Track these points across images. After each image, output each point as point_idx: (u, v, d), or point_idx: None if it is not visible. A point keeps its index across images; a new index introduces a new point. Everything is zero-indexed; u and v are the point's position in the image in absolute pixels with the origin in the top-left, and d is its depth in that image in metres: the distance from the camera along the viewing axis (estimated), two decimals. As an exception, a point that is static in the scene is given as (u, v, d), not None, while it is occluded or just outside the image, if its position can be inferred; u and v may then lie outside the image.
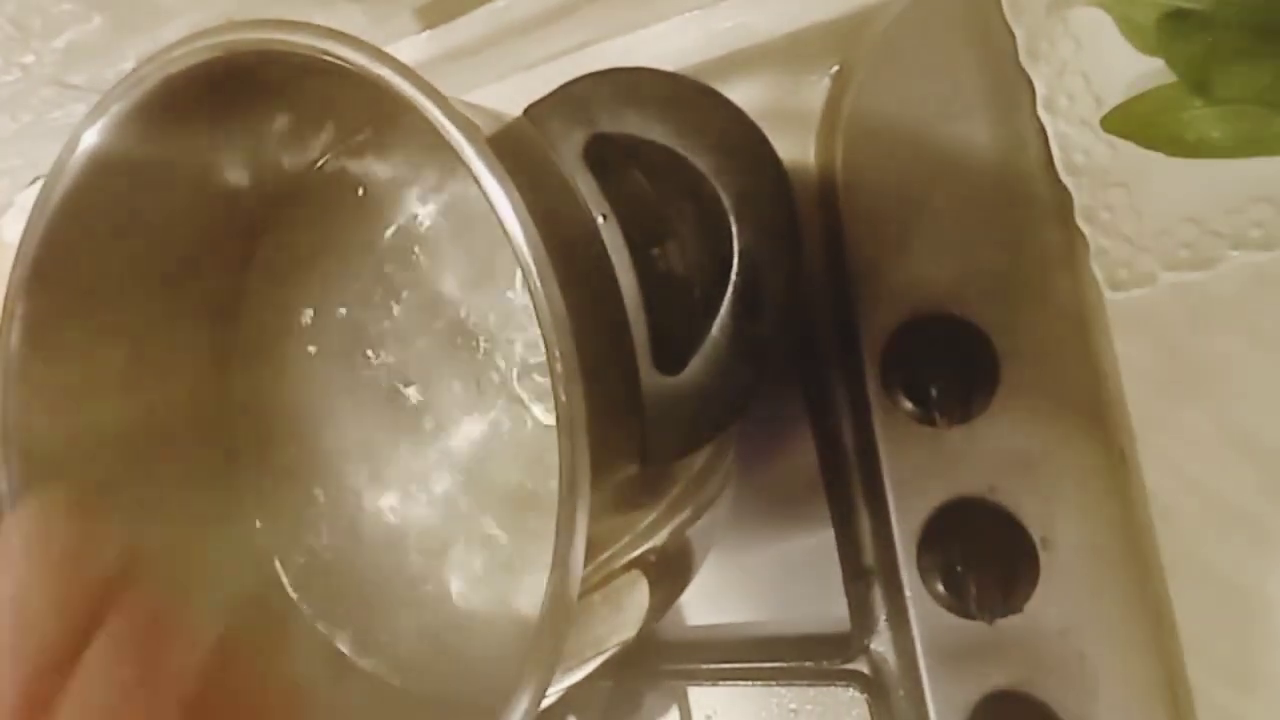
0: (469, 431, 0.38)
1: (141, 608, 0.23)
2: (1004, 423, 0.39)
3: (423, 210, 0.38)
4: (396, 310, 0.39)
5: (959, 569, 0.38)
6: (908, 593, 0.41)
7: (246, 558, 0.40)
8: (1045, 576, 0.38)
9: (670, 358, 0.28)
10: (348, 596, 0.39)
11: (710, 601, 0.46)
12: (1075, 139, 0.37)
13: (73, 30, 0.47)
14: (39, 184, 0.32)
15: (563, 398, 0.24)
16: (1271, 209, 0.34)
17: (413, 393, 0.39)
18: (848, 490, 0.43)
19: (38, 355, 0.33)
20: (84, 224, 0.32)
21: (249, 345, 0.40)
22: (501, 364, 0.37)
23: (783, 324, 0.28)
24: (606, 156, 0.28)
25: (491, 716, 0.25)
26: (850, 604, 0.42)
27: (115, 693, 0.22)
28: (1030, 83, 0.38)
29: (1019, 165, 0.39)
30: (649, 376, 0.28)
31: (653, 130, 0.28)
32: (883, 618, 0.42)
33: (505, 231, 0.25)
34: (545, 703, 0.25)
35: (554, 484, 0.24)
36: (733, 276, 0.28)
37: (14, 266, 0.32)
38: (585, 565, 0.24)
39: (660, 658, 0.46)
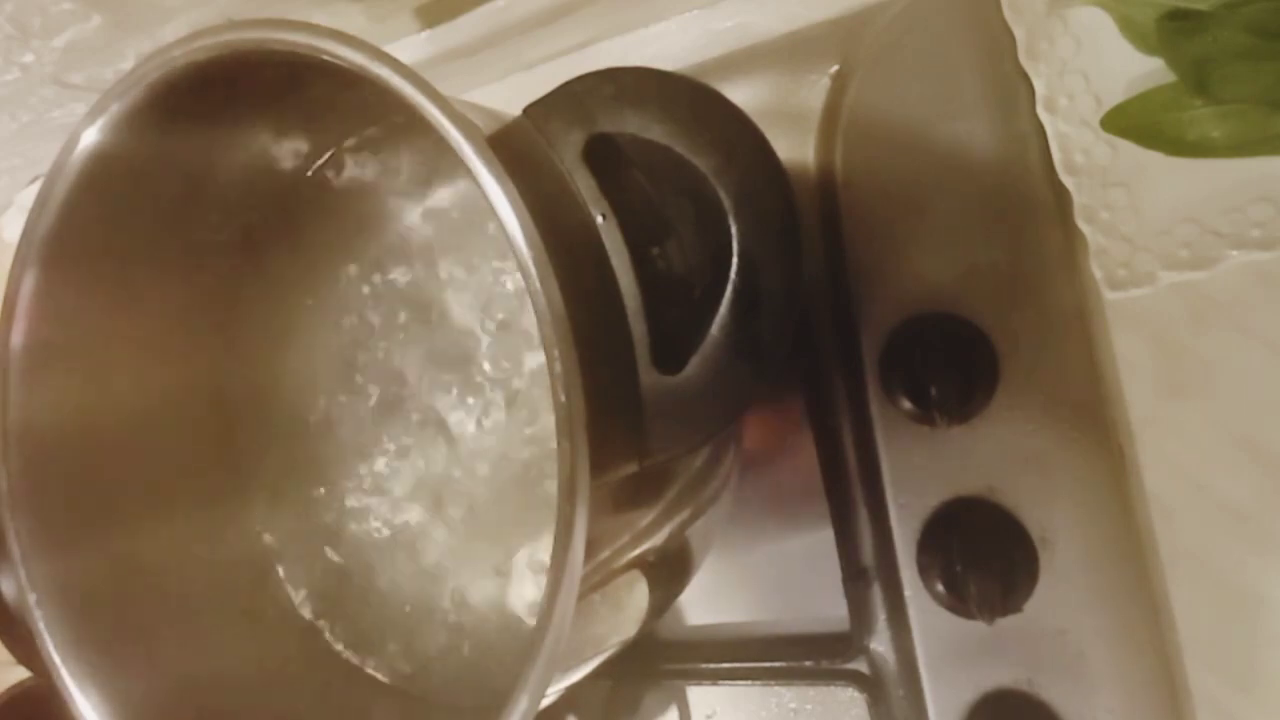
0: (467, 432, 0.38)
1: None
2: (1003, 422, 0.39)
3: (422, 209, 0.38)
4: (395, 309, 0.39)
5: (959, 569, 0.38)
6: (907, 592, 0.41)
7: (247, 559, 0.40)
8: (1045, 576, 0.38)
9: (670, 357, 0.28)
10: (347, 598, 0.39)
11: (710, 601, 0.46)
12: (1075, 139, 0.37)
13: (72, 30, 0.47)
14: (38, 183, 0.32)
15: (562, 398, 0.24)
16: (1271, 209, 0.34)
17: (412, 393, 0.39)
18: (847, 490, 0.43)
19: (38, 355, 0.33)
20: (83, 223, 0.32)
21: (248, 344, 0.40)
22: (500, 363, 0.37)
23: (782, 323, 0.28)
24: (606, 156, 0.28)
25: (491, 716, 0.25)
26: (850, 604, 0.42)
27: None
28: (1030, 83, 0.38)
29: (1019, 165, 0.39)
30: (649, 376, 0.28)
31: (653, 130, 0.28)
32: (882, 618, 0.42)
33: (505, 231, 0.25)
34: (545, 703, 0.25)
35: (553, 483, 0.24)
36: (732, 276, 0.28)
37: (13, 265, 0.32)
38: (585, 565, 0.24)
39: (660, 658, 0.46)
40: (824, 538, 0.43)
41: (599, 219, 0.28)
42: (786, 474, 0.45)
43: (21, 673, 0.49)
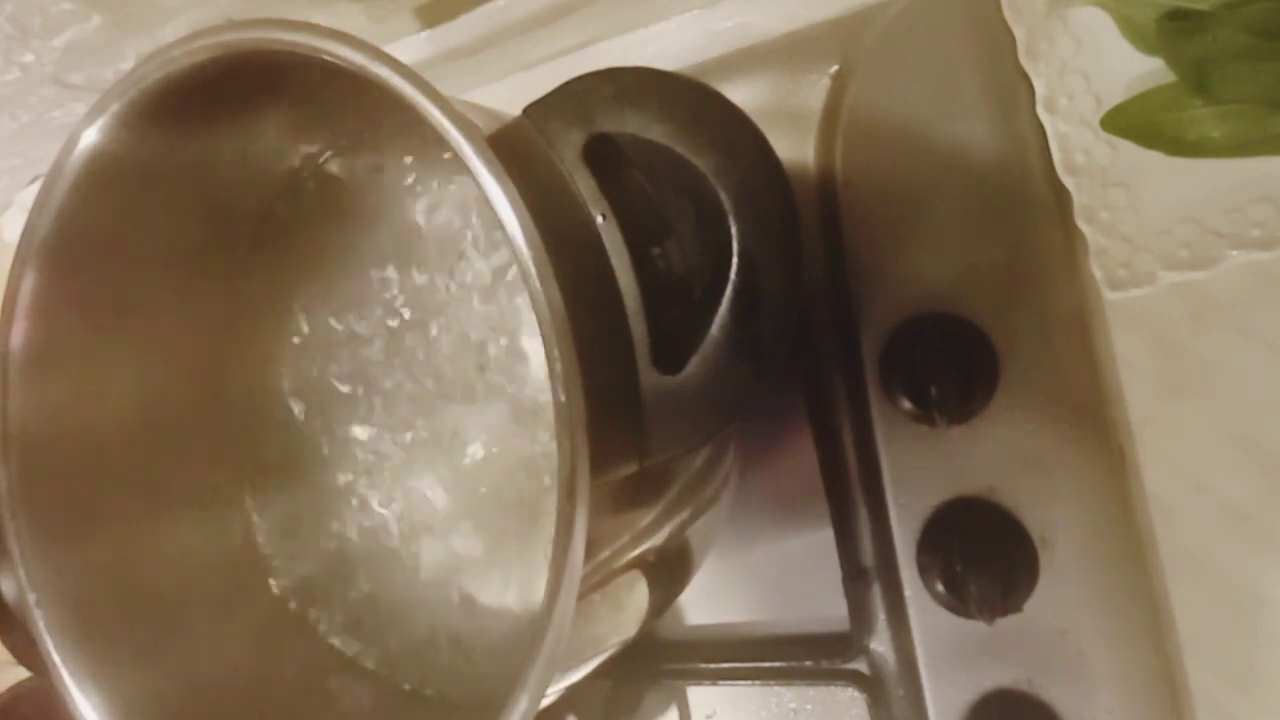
0: (468, 431, 0.38)
1: None
2: (1003, 422, 0.39)
3: (421, 209, 0.38)
4: (395, 308, 0.39)
5: (958, 569, 0.38)
6: (907, 592, 0.41)
7: (247, 559, 0.40)
8: (1045, 576, 0.38)
9: (670, 357, 0.28)
10: (348, 596, 0.39)
11: (710, 601, 0.46)
12: (1075, 139, 0.37)
13: (72, 30, 0.47)
14: (38, 183, 0.32)
15: (562, 397, 0.24)
16: (1271, 209, 0.34)
17: (411, 392, 0.39)
18: (847, 490, 0.43)
19: (37, 355, 0.33)
20: (83, 223, 0.32)
21: (248, 343, 0.40)
22: (499, 363, 0.37)
23: (782, 323, 0.28)
24: (606, 156, 0.28)
25: (491, 716, 0.25)
26: (850, 604, 0.42)
27: None
28: (1030, 83, 0.38)
29: (1019, 165, 0.39)
30: (648, 376, 0.28)
31: (653, 130, 0.28)
32: (882, 618, 0.42)
33: (505, 231, 0.25)
34: (545, 702, 0.25)
35: (554, 483, 0.24)
36: (732, 276, 0.28)
37: (13, 265, 0.32)
38: (585, 565, 0.24)
39: (660, 658, 0.46)
40: (824, 538, 0.43)
41: (599, 219, 0.28)
42: (786, 474, 0.45)
43: (21, 673, 0.49)
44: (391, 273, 0.39)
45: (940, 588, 0.40)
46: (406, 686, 0.38)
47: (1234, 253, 0.35)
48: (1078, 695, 0.38)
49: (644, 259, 0.28)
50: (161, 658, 0.34)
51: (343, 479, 0.40)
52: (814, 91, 0.43)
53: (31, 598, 0.31)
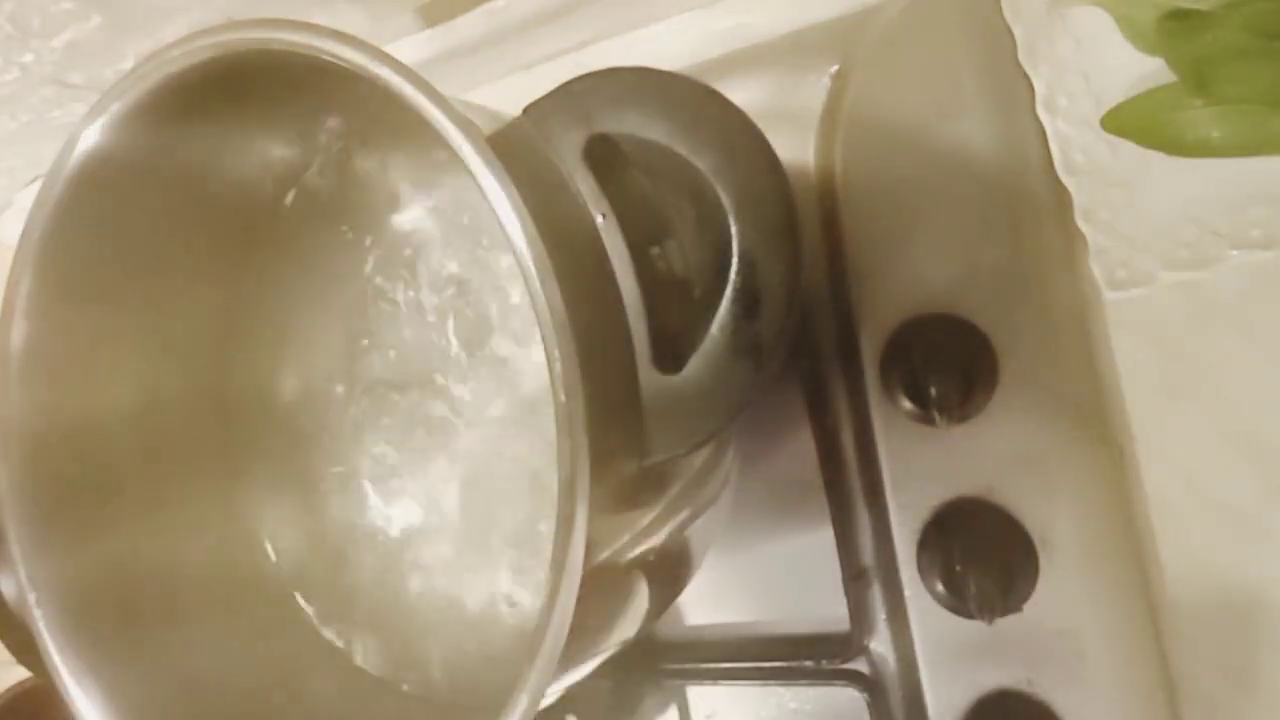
0: (468, 431, 0.38)
1: None
2: (1003, 422, 0.39)
3: (422, 209, 0.38)
4: (396, 308, 0.39)
5: (958, 569, 0.38)
6: (907, 592, 0.41)
7: (247, 559, 0.40)
8: (1044, 576, 0.38)
9: (670, 357, 0.28)
10: (348, 597, 0.39)
11: (710, 601, 0.46)
12: (1075, 139, 0.37)
13: (72, 29, 0.47)
14: (38, 183, 0.32)
15: (562, 398, 0.24)
16: (1271, 209, 0.34)
17: (413, 392, 0.39)
18: (847, 490, 0.43)
19: (37, 355, 0.33)
20: (83, 223, 0.32)
21: (248, 344, 0.40)
22: (500, 362, 0.37)
23: (782, 324, 0.28)
24: (606, 156, 0.28)
25: (491, 716, 0.25)
26: (850, 604, 0.42)
27: None
28: (1030, 82, 0.38)
29: (1019, 165, 0.39)
30: (649, 376, 0.28)
31: (653, 130, 0.28)
32: (882, 617, 0.42)
33: (504, 231, 0.25)
34: (545, 703, 0.25)
35: (554, 484, 0.24)
36: (732, 276, 0.28)
37: (13, 266, 0.32)
38: (585, 565, 0.24)
39: (660, 658, 0.46)
40: (824, 538, 0.43)
41: (599, 219, 0.28)
42: (786, 474, 0.45)
43: (21, 673, 0.49)
44: (391, 271, 0.39)
45: (940, 588, 0.40)
46: (406, 688, 0.38)
47: (1234, 253, 0.35)
48: (1078, 695, 0.38)
49: (644, 259, 0.28)
50: (161, 657, 0.34)
51: (343, 479, 0.40)
52: (814, 91, 0.43)
53: (31, 598, 0.31)
